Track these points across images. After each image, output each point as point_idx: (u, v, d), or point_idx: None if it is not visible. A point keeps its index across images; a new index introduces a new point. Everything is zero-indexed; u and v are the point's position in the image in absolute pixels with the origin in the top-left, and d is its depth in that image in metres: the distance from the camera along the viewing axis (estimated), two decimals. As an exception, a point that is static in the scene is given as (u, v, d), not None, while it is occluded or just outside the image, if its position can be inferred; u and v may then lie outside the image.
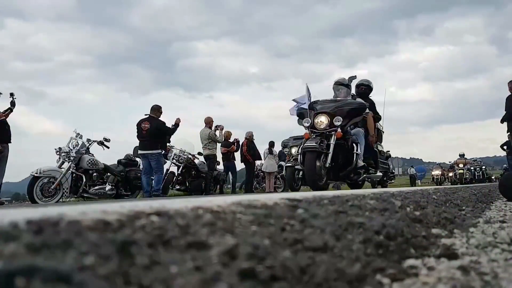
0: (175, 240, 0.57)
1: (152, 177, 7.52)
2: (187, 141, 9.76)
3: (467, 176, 18.13)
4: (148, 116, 7.54)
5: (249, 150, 10.84)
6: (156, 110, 7.64)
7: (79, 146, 7.27)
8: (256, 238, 0.66)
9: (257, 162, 11.65)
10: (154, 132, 7.39)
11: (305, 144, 4.89)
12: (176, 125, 7.83)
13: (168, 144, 8.73)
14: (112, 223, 0.56)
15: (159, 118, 7.63)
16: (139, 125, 7.50)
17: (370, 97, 6.29)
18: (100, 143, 7.72)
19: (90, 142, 7.52)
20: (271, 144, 11.90)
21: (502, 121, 7.75)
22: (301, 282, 0.57)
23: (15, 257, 0.41)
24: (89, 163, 7.33)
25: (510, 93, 7.46)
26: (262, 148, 11.39)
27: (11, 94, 6.61)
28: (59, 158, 7.11)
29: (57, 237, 0.47)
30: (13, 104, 6.59)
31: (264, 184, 12.42)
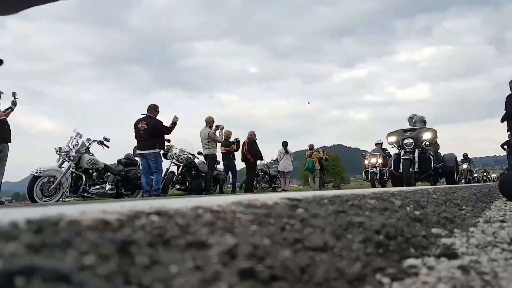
0: (175, 239, 0.57)
1: (151, 177, 7.51)
2: (187, 140, 9.76)
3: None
4: (145, 115, 7.53)
5: (250, 149, 10.86)
6: (153, 109, 7.63)
7: (79, 145, 7.27)
8: (256, 237, 0.66)
9: (258, 162, 11.68)
10: (152, 131, 7.38)
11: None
12: (174, 123, 7.81)
13: (168, 143, 8.72)
14: (112, 223, 0.56)
15: (156, 118, 7.62)
16: (136, 125, 7.49)
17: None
18: (100, 142, 7.72)
19: (90, 142, 7.52)
20: (285, 144, 12.07)
21: (502, 121, 7.74)
22: (301, 282, 0.57)
23: (15, 257, 0.41)
24: (89, 162, 7.33)
25: (510, 93, 7.45)
26: (261, 148, 11.42)
27: (13, 94, 6.62)
28: (59, 158, 7.11)
29: (57, 237, 0.47)
30: (14, 103, 6.59)
31: (263, 184, 12.51)
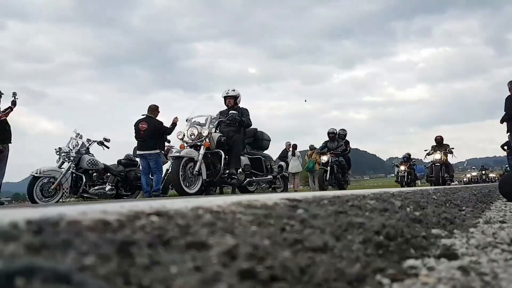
0: (175, 240, 0.57)
1: (151, 177, 7.52)
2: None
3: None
4: (145, 116, 7.53)
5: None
6: (154, 110, 7.63)
7: (79, 146, 7.26)
8: (256, 238, 0.66)
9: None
10: (152, 132, 7.38)
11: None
12: (174, 124, 7.81)
13: (168, 144, 8.72)
14: (112, 223, 0.56)
15: (157, 118, 7.63)
16: (136, 125, 7.50)
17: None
18: (100, 143, 7.72)
19: (90, 142, 7.51)
20: (294, 147, 12.80)
21: (501, 121, 7.75)
22: (301, 282, 0.57)
23: (15, 257, 0.41)
24: (89, 163, 7.33)
25: (510, 94, 7.45)
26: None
27: (14, 94, 6.61)
28: (59, 158, 7.11)
29: (57, 237, 0.47)
30: (13, 103, 6.58)
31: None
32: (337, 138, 10.45)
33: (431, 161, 11.47)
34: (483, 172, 27.32)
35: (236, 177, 6.30)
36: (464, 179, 27.69)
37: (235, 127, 6.61)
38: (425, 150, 11.71)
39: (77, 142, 7.30)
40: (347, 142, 10.93)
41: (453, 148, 11.31)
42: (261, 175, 7.25)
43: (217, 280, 0.49)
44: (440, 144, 11.44)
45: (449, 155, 11.40)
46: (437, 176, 10.82)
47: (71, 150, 7.14)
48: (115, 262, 0.45)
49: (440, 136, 11.58)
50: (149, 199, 5.13)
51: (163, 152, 7.92)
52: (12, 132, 6.66)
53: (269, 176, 7.46)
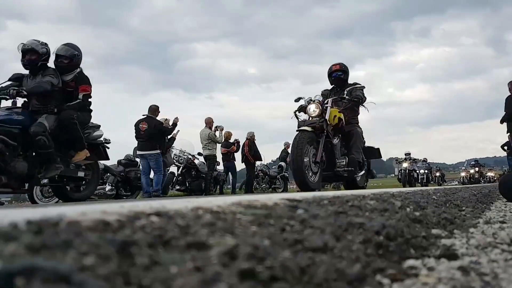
0: (175, 240, 0.57)
1: (151, 178, 7.52)
2: (187, 141, 9.75)
3: None
4: (146, 116, 7.55)
5: (251, 150, 10.88)
6: (154, 110, 7.64)
7: (79, 146, 7.25)
8: (256, 238, 0.66)
9: (257, 163, 11.71)
10: (152, 132, 7.39)
11: None
12: (174, 124, 7.83)
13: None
14: (112, 224, 0.56)
15: (157, 118, 7.64)
16: (137, 125, 7.51)
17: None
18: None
19: (90, 142, 7.51)
20: None
21: (502, 122, 7.75)
22: (301, 282, 0.57)
23: (15, 257, 0.41)
24: (89, 163, 7.32)
25: (510, 94, 7.46)
26: (262, 148, 11.42)
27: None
28: (59, 159, 7.10)
29: (57, 238, 0.47)
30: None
31: (264, 185, 12.61)
32: None
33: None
34: (477, 169, 21.75)
35: None
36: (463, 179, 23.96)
37: None
38: (296, 101, 4.92)
39: (77, 143, 7.29)
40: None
41: (364, 87, 4.90)
42: None
43: (217, 280, 0.49)
44: (339, 85, 5.01)
45: (361, 109, 4.95)
46: (296, 163, 4.07)
47: (71, 150, 7.14)
48: (115, 262, 0.45)
49: (338, 65, 5.03)
50: (149, 199, 5.13)
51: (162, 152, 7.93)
52: (12, 132, 6.65)
53: None
